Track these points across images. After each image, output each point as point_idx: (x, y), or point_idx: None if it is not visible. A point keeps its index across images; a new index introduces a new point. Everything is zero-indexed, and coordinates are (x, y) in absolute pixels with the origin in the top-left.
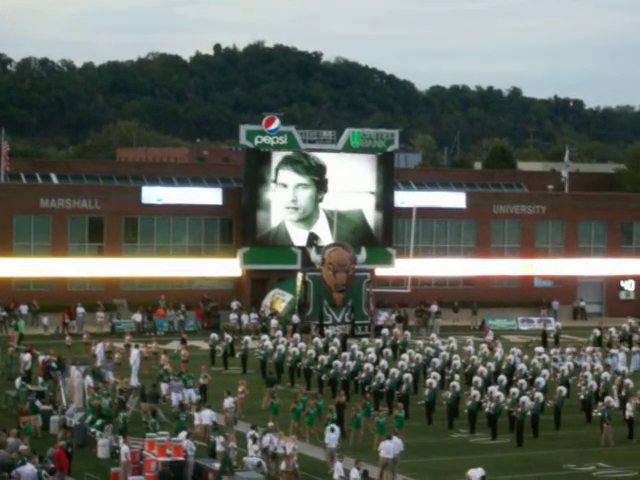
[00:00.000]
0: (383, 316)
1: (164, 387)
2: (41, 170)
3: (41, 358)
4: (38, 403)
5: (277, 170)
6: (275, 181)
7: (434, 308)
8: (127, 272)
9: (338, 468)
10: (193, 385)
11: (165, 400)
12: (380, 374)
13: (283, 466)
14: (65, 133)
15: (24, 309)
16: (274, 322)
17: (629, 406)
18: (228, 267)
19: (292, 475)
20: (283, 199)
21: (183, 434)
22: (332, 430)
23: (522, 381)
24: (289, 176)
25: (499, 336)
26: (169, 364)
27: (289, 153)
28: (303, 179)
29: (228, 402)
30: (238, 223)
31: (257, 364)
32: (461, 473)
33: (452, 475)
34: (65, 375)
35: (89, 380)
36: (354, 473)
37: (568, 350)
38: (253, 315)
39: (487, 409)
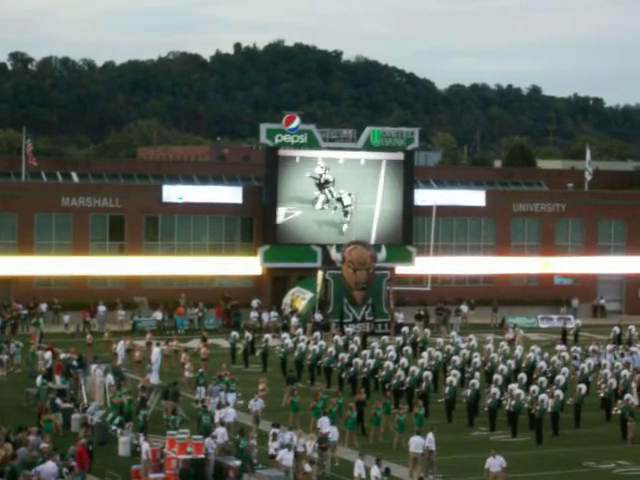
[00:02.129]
0: (400, 318)
1: (201, 391)
2: (62, 169)
3: (62, 356)
4: (58, 401)
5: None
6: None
7: (464, 308)
8: (148, 270)
9: (359, 465)
10: (236, 389)
11: (203, 404)
12: (400, 372)
13: (307, 468)
14: (86, 132)
15: (44, 307)
16: (294, 320)
17: None
18: (248, 265)
19: (312, 476)
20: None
21: (221, 430)
22: (332, 424)
23: (542, 379)
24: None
25: (517, 331)
26: (190, 362)
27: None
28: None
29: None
30: (258, 221)
31: (277, 362)
32: (481, 471)
33: (472, 472)
34: (86, 373)
35: (110, 378)
36: (374, 471)
37: (590, 348)
38: (273, 313)
39: (507, 407)
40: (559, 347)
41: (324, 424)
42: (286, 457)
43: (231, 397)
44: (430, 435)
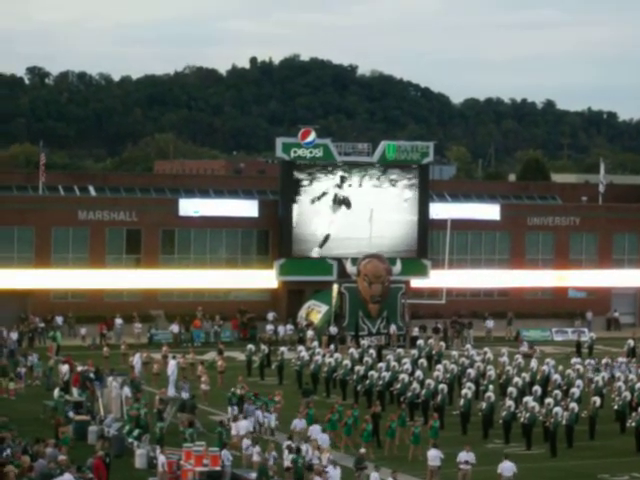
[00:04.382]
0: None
1: (233, 410)
2: (79, 182)
3: (79, 369)
4: (71, 414)
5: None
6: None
7: (490, 324)
8: (164, 284)
9: (375, 477)
10: (273, 409)
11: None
12: (415, 385)
13: None
14: (103, 146)
15: (60, 320)
16: (310, 333)
17: None
18: (264, 279)
19: None
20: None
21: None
22: (324, 431)
23: (557, 392)
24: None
25: (535, 349)
26: (207, 375)
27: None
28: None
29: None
30: (274, 235)
31: (293, 375)
32: None
33: None
34: (103, 386)
35: (127, 390)
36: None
37: (603, 361)
38: (289, 326)
39: (522, 419)
40: (576, 360)
41: (315, 432)
42: (333, 473)
43: (270, 418)
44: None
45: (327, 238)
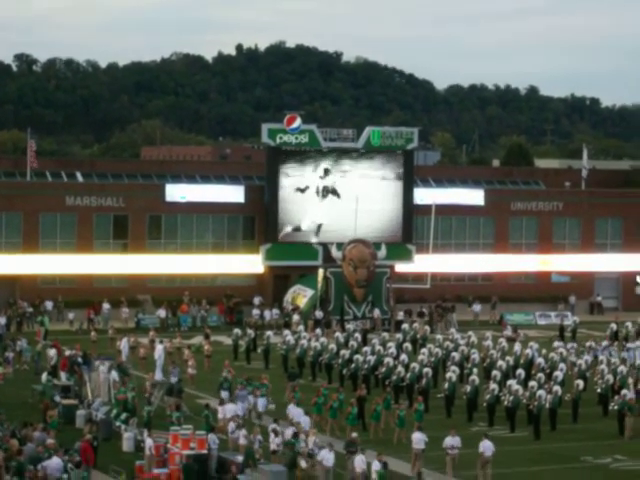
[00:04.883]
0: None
1: (224, 395)
2: (66, 168)
3: (67, 353)
4: (57, 398)
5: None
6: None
7: (477, 308)
8: (151, 269)
9: (362, 460)
10: (267, 393)
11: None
12: (400, 368)
13: (304, 464)
14: (90, 132)
15: (49, 305)
16: (296, 317)
17: None
18: (250, 263)
19: (311, 471)
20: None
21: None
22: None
23: (540, 375)
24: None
25: (519, 333)
26: (193, 359)
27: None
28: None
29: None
30: (260, 220)
31: (279, 359)
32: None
33: (471, 467)
34: (91, 370)
35: (114, 375)
36: (376, 465)
37: (587, 344)
38: (275, 310)
39: (506, 402)
40: (558, 343)
41: (296, 414)
42: (327, 457)
43: (261, 402)
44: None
45: (320, 227)
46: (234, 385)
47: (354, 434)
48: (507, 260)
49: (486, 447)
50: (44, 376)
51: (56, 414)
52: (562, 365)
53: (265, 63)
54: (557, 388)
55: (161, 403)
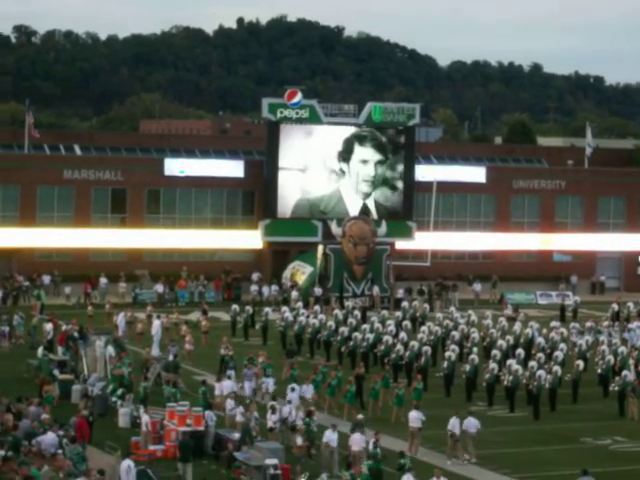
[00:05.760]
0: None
1: (231, 374)
2: (65, 141)
3: (63, 328)
4: (56, 372)
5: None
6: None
7: (477, 287)
8: (149, 243)
9: (357, 438)
10: (272, 373)
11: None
12: (399, 346)
13: (299, 441)
14: (89, 105)
15: (47, 279)
16: (294, 294)
17: None
18: (249, 239)
19: (306, 449)
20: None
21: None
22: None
23: (540, 355)
24: (369, 153)
25: (520, 312)
26: (191, 335)
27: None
28: (381, 156)
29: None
30: (260, 195)
31: (277, 335)
32: (479, 445)
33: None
34: (87, 345)
35: (111, 350)
36: (372, 444)
37: (587, 324)
38: (274, 287)
39: (505, 382)
40: (555, 323)
41: (294, 399)
42: (331, 438)
43: (269, 382)
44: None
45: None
46: (239, 364)
47: (360, 415)
48: (508, 238)
49: (469, 425)
50: (40, 351)
51: (56, 389)
52: (562, 345)
53: (266, 37)
54: (557, 368)
55: (158, 379)
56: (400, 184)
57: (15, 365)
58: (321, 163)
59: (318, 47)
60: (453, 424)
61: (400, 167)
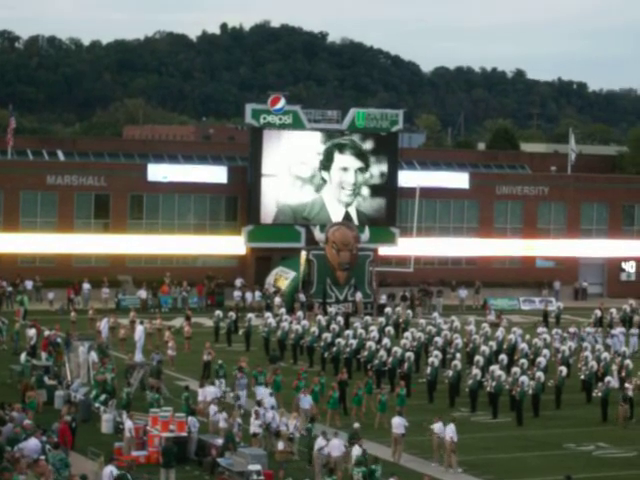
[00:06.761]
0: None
1: (221, 383)
2: (48, 147)
3: (46, 333)
4: (45, 378)
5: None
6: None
7: (462, 293)
8: (132, 249)
9: (337, 444)
10: (264, 382)
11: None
12: (382, 352)
13: (281, 446)
14: (72, 110)
15: (29, 284)
16: (277, 300)
17: (628, 386)
18: (232, 245)
19: (289, 454)
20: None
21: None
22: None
23: (523, 361)
24: (349, 160)
25: (502, 318)
26: (174, 340)
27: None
28: (361, 163)
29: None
30: (243, 201)
31: (260, 341)
32: (462, 451)
33: (461, 454)
34: (70, 350)
35: (94, 355)
36: (356, 450)
37: (570, 330)
38: (257, 293)
39: (488, 388)
40: (542, 329)
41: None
42: (334, 443)
43: (263, 391)
44: (452, 426)
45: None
46: (229, 373)
47: (356, 424)
48: (491, 244)
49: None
50: (23, 356)
51: (44, 395)
52: (546, 351)
53: (250, 43)
54: (540, 374)
55: (140, 385)
56: (383, 190)
57: None
58: (304, 169)
59: (301, 53)
60: (439, 429)
61: (382, 172)
